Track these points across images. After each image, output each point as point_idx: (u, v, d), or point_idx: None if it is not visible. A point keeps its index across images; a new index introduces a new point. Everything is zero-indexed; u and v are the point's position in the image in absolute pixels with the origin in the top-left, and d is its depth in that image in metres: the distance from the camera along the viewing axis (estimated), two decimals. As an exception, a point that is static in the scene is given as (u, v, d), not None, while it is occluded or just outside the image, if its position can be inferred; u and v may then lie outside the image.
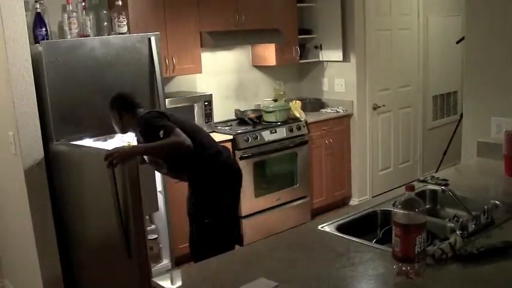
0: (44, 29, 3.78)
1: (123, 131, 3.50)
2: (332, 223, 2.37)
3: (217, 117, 5.09)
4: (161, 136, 3.16)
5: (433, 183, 2.82)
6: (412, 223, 1.77)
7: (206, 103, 4.80)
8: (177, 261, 4.20)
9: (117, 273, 3.31)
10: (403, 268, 1.80)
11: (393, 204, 1.82)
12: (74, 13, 3.89)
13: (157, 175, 3.83)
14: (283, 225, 4.62)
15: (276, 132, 5.02)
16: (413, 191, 1.82)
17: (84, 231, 3.62)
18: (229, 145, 4.57)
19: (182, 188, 4.34)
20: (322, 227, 2.34)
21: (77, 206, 3.61)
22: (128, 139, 3.71)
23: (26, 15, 3.49)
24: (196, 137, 3.36)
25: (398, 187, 2.97)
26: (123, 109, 3.43)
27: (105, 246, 3.37)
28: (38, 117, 3.51)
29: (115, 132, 3.76)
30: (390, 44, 5.97)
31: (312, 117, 5.46)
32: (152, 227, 4.19)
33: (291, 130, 5.12)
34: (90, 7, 4.09)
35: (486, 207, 2.24)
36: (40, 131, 3.53)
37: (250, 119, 5.14)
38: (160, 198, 4.05)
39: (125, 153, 3.02)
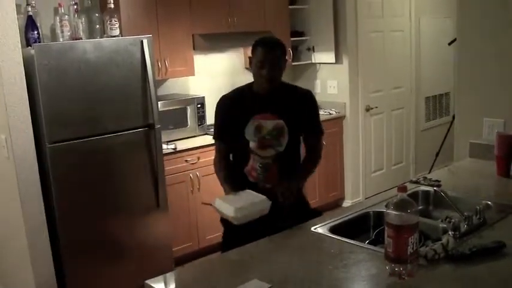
0: (36, 32, 3.77)
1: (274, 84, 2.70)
2: (325, 224, 2.37)
3: (210, 119, 5.07)
4: (319, 128, 2.86)
5: (425, 184, 2.84)
6: (404, 224, 1.77)
7: (199, 105, 4.80)
8: (176, 262, 4.22)
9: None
10: (396, 269, 1.80)
11: (386, 206, 1.83)
12: (66, 16, 3.89)
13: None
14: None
15: (269, 134, 5.01)
16: (406, 192, 1.82)
17: (97, 215, 3.81)
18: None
19: (179, 188, 4.37)
20: (315, 229, 2.34)
21: (83, 196, 3.73)
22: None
23: (18, 18, 3.47)
24: None
25: (391, 188, 2.99)
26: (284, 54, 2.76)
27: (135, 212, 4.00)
28: (30, 120, 3.49)
29: (107, 133, 3.76)
30: (383, 46, 5.99)
31: (305, 119, 5.45)
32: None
33: (284, 132, 5.12)
34: (82, 10, 4.08)
35: (478, 207, 2.26)
36: (33, 134, 3.51)
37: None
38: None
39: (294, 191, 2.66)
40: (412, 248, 1.78)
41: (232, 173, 2.78)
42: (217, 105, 2.84)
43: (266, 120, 2.66)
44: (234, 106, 2.78)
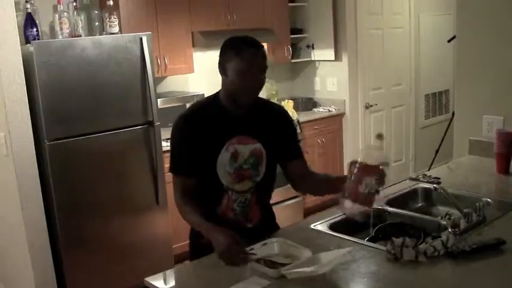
0: (35, 29, 3.77)
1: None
2: (325, 222, 2.38)
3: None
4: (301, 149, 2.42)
5: (425, 182, 2.84)
6: (365, 163, 1.87)
7: (198, 103, 4.79)
8: (176, 260, 4.22)
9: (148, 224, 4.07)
10: (346, 205, 1.92)
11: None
12: (65, 13, 3.88)
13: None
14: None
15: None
16: (382, 140, 1.91)
17: (97, 213, 3.79)
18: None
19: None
20: (315, 226, 2.35)
21: (83, 194, 3.72)
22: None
23: (17, 16, 3.48)
24: None
25: (390, 185, 2.98)
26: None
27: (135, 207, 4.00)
28: (29, 117, 3.49)
29: (107, 131, 3.75)
30: (382, 43, 5.99)
31: (304, 117, 5.46)
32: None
33: (284, 129, 5.11)
34: (82, 7, 4.07)
35: (478, 204, 2.26)
36: (32, 132, 3.51)
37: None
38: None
39: None
40: (366, 191, 1.86)
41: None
42: (176, 128, 2.20)
43: (243, 144, 2.17)
44: (201, 128, 2.15)
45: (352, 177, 1.89)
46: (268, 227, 2.36)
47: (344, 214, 2.00)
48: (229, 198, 2.20)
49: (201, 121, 2.17)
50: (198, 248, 2.23)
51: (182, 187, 2.19)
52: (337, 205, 2.06)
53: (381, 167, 1.90)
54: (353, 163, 1.93)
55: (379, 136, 1.89)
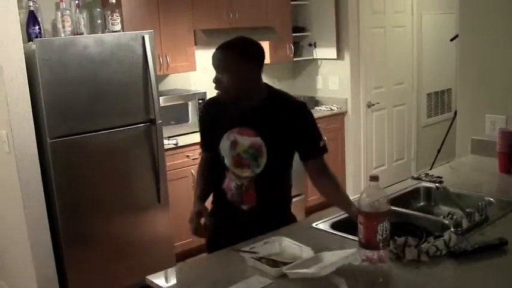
0: (37, 27, 3.76)
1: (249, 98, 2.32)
2: (326, 220, 2.38)
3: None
4: (321, 146, 2.38)
5: (427, 181, 2.84)
6: (374, 211, 1.81)
7: (200, 101, 4.79)
8: (178, 258, 4.25)
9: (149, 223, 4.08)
10: (368, 254, 1.83)
11: (360, 194, 1.88)
12: (68, 11, 3.88)
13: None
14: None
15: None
16: (378, 181, 1.85)
17: (98, 211, 3.80)
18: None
19: (180, 183, 4.38)
20: (316, 225, 2.34)
21: (84, 192, 3.72)
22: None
23: (19, 13, 3.47)
24: None
25: (392, 185, 2.98)
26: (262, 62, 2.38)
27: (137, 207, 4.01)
28: (31, 115, 3.49)
29: (109, 129, 3.75)
30: (384, 42, 5.98)
31: (306, 115, 5.44)
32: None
33: (286, 128, 5.11)
34: (84, 5, 4.07)
35: (480, 204, 2.25)
36: (34, 129, 3.51)
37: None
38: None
39: None
40: (382, 235, 1.81)
41: (212, 187, 2.46)
42: (200, 111, 2.56)
43: (243, 135, 2.27)
44: (213, 114, 2.44)
45: (363, 227, 1.86)
46: (274, 214, 2.40)
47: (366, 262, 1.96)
48: (229, 178, 2.36)
49: (213, 108, 2.47)
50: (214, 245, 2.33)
51: (202, 160, 2.57)
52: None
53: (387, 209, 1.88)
54: (360, 212, 1.89)
55: (374, 178, 1.88)
